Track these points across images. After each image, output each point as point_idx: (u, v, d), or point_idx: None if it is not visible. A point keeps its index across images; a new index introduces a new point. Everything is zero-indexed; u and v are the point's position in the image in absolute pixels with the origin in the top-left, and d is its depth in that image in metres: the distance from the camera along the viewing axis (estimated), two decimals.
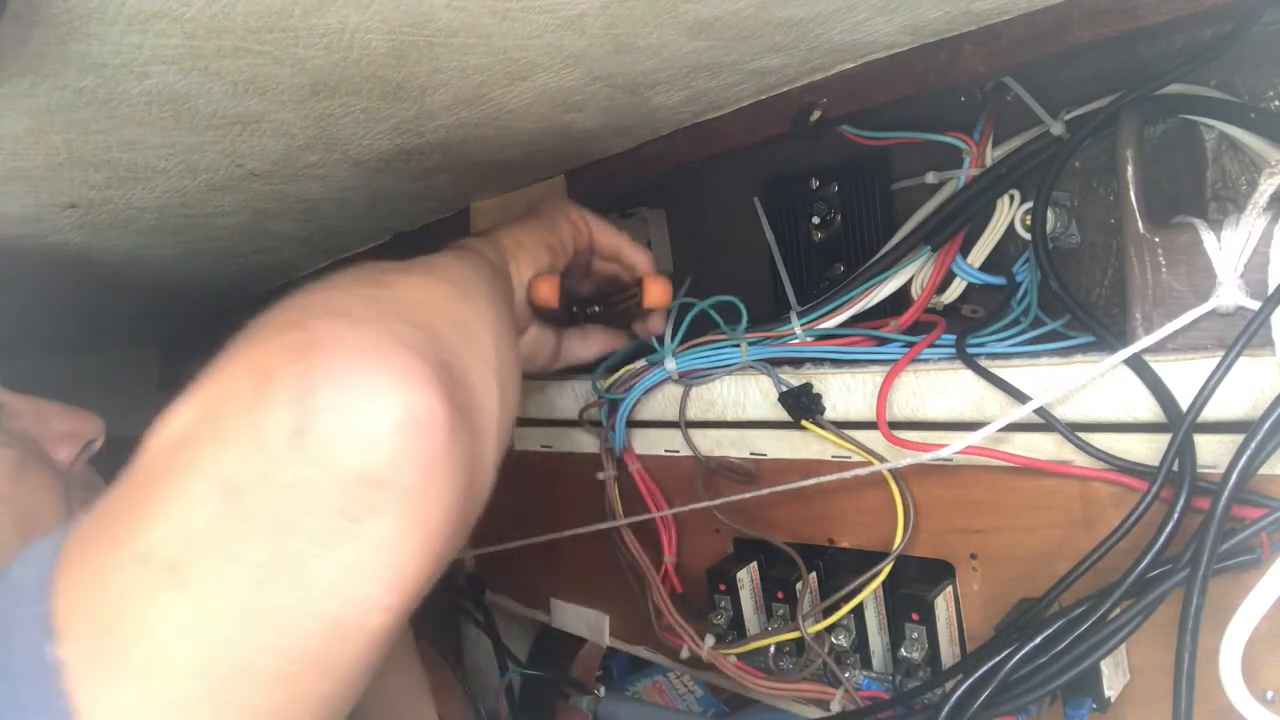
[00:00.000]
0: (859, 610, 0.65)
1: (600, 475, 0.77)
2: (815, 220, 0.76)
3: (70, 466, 0.60)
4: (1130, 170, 0.52)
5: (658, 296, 0.67)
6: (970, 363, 0.57)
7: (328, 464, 0.29)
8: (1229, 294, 0.49)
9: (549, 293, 0.65)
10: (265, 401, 0.29)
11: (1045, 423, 0.54)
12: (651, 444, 0.77)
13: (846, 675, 0.65)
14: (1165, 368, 0.50)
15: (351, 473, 0.29)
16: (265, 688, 0.28)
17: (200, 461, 0.29)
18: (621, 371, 0.75)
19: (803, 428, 0.64)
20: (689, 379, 0.71)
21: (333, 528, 0.29)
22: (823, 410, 0.64)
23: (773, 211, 0.80)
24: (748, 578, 0.72)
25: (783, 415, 0.65)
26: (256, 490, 0.28)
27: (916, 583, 0.63)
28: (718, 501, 0.69)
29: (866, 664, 0.67)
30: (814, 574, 0.70)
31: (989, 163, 0.65)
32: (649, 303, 0.67)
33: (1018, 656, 0.50)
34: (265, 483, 0.28)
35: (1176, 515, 0.47)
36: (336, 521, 0.29)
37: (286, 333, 0.32)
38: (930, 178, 0.69)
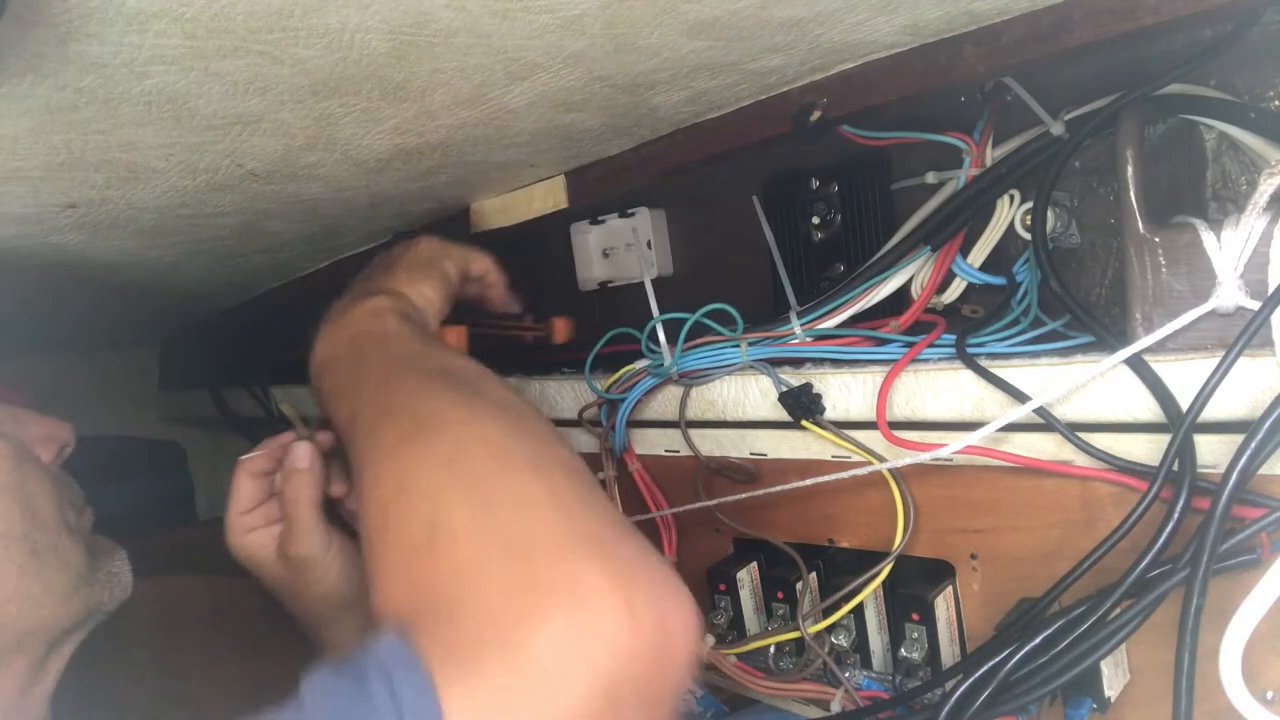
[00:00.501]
0: (859, 610, 0.65)
1: (600, 475, 0.77)
2: (815, 220, 0.76)
3: (50, 466, 0.62)
4: (1130, 170, 0.52)
5: (565, 334, 0.81)
6: (970, 363, 0.57)
7: (675, 663, 0.40)
8: (1229, 294, 0.49)
9: (459, 342, 0.73)
10: (636, 623, 0.38)
11: (1045, 423, 0.54)
12: (651, 444, 0.77)
13: (846, 675, 0.65)
14: (1165, 368, 0.50)
15: (686, 668, 0.40)
16: None
17: (590, 662, 0.37)
18: (621, 372, 0.75)
19: (803, 428, 0.64)
20: (689, 379, 0.71)
21: (662, 704, 0.39)
22: (823, 410, 0.64)
23: (772, 211, 0.80)
24: (748, 578, 0.72)
25: (783, 415, 0.65)
26: (631, 680, 0.38)
27: (916, 583, 0.63)
28: (717, 501, 0.69)
29: (866, 664, 0.67)
30: (814, 574, 0.70)
31: (989, 163, 0.65)
32: (559, 339, 0.80)
33: (1018, 656, 0.50)
34: (637, 674, 0.38)
35: (1176, 515, 0.47)
36: (670, 697, 0.40)
37: (610, 570, 0.39)
38: (930, 178, 0.69)
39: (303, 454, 0.67)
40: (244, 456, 0.70)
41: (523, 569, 0.40)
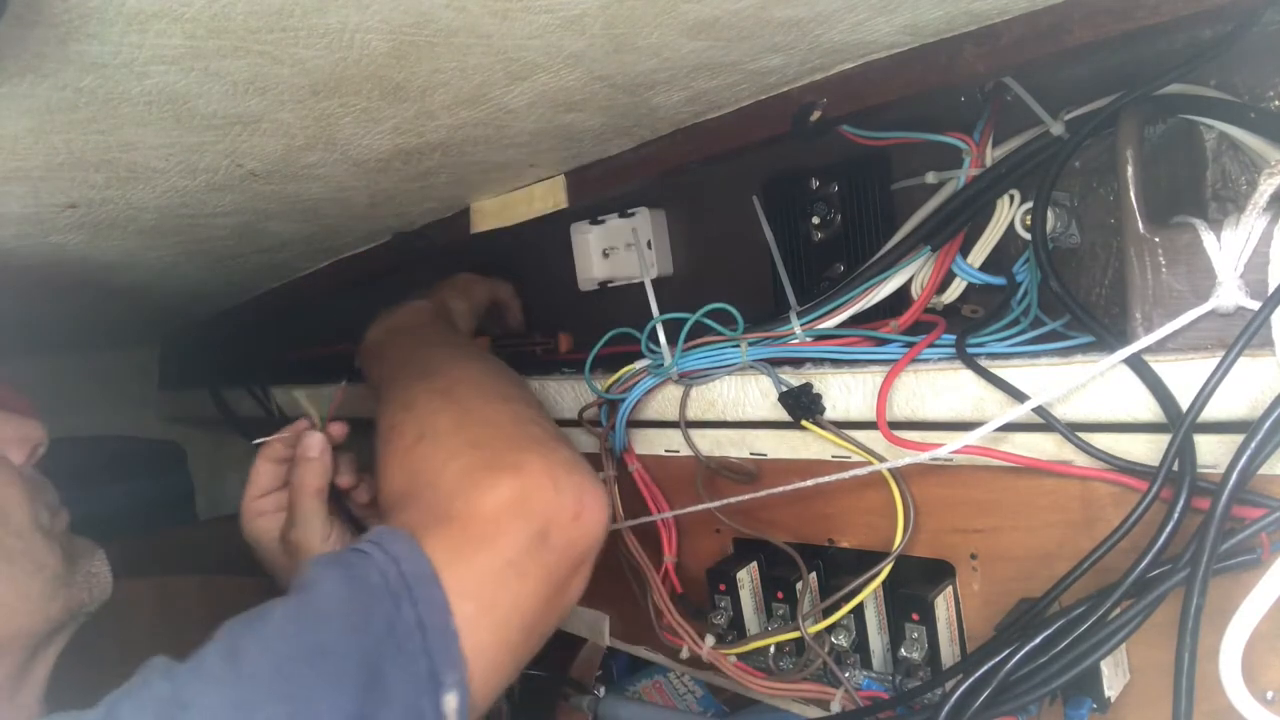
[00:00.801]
0: (859, 610, 0.65)
1: (600, 475, 0.77)
2: (815, 220, 0.76)
3: (22, 469, 0.61)
4: (1130, 170, 0.52)
5: (567, 345, 0.94)
6: (970, 363, 0.57)
7: (586, 520, 0.55)
8: (1229, 294, 0.49)
9: (483, 348, 0.92)
10: (560, 495, 0.54)
11: (1045, 422, 0.54)
12: (652, 444, 0.77)
13: (846, 675, 0.65)
14: (1165, 368, 0.50)
15: (596, 536, 0.56)
16: (534, 615, 0.52)
17: (528, 517, 0.52)
18: (621, 372, 0.75)
19: (803, 428, 0.64)
20: (689, 379, 0.71)
21: (579, 559, 0.55)
22: (823, 410, 0.64)
23: (773, 211, 0.80)
24: (748, 578, 0.72)
25: (783, 415, 0.65)
26: (556, 536, 0.53)
27: (916, 583, 0.63)
28: (719, 503, 0.69)
29: (866, 664, 0.67)
30: (814, 574, 0.70)
31: (989, 163, 0.65)
32: (564, 349, 0.94)
33: (1018, 656, 0.50)
34: (559, 533, 0.53)
35: (1176, 515, 0.47)
36: (582, 557, 0.56)
37: (544, 460, 0.55)
38: (930, 178, 0.69)
39: (313, 443, 0.73)
40: (262, 440, 0.76)
41: (483, 455, 0.55)
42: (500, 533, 0.51)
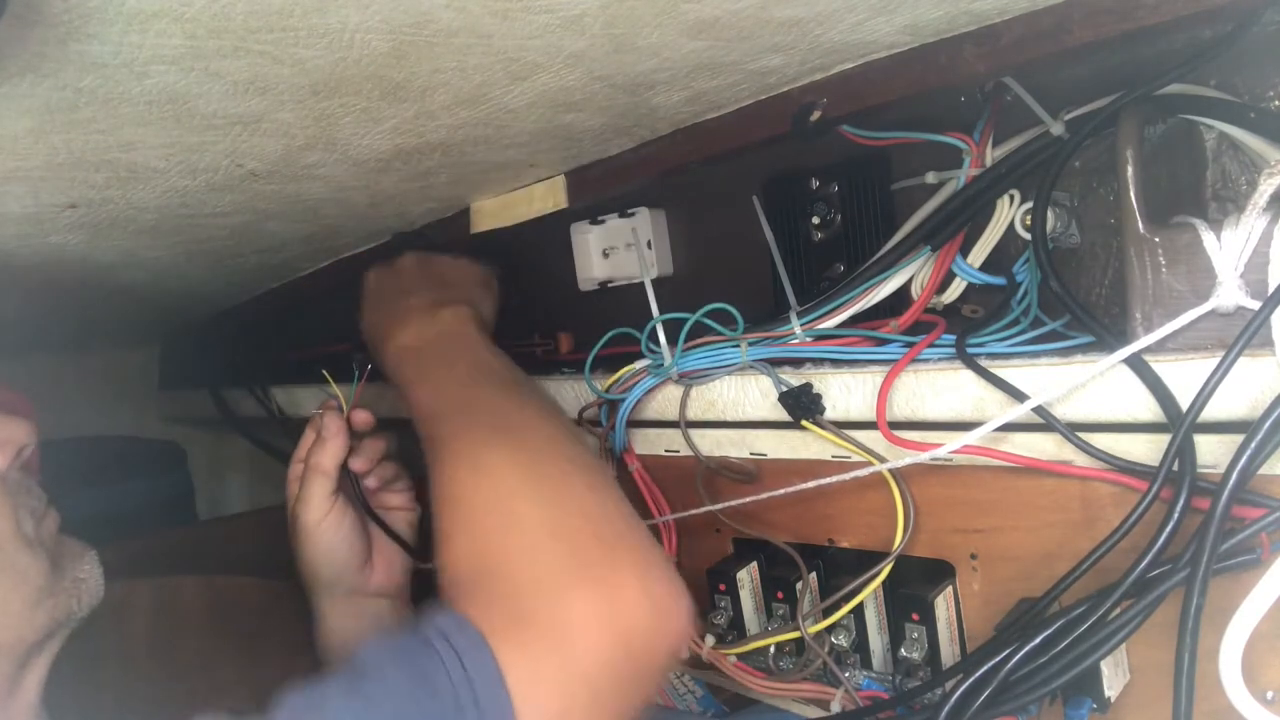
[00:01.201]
0: (859, 610, 0.65)
1: None
2: (815, 220, 0.76)
3: (5, 473, 0.58)
4: (1130, 170, 0.52)
5: (567, 345, 0.93)
6: (970, 363, 0.57)
7: (672, 633, 0.52)
8: (1229, 294, 0.49)
9: None
10: (653, 614, 0.50)
11: (1045, 422, 0.54)
12: (651, 444, 0.77)
13: (846, 675, 0.65)
14: (1165, 368, 0.50)
15: (676, 651, 0.53)
16: None
17: (613, 634, 0.49)
18: (621, 372, 0.75)
19: (803, 428, 0.64)
20: (689, 379, 0.71)
21: (655, 674, 0.53)
22: (823, 410, 0.64)
23: (772, 211, 0.79)
24: (748, 578, 0.72)
25: (783, 415, 0.65)
26: (638, 653, 0.49)
27: (916, 583, 0.64)
28: (721, 506, 0.69)
29: (866, 664, 0.67)
30: (814, 574, 0.70)
31: (989, 163, 0.65)
32: (564, 350, 0.92)
33: (1018, 656, 0.50)
34: (643, 651, 0.50)
35: (1176, 515, 0.47)
36: (659, 671, 0.54)
37: (637, 568, 0.52)
38: (930, 178, 0.69)
39: (328, 425, 0.73)
40: (317, 411, 0.77)
41: (569, 552, 0.52)
42: (580, 644, 0.48)
